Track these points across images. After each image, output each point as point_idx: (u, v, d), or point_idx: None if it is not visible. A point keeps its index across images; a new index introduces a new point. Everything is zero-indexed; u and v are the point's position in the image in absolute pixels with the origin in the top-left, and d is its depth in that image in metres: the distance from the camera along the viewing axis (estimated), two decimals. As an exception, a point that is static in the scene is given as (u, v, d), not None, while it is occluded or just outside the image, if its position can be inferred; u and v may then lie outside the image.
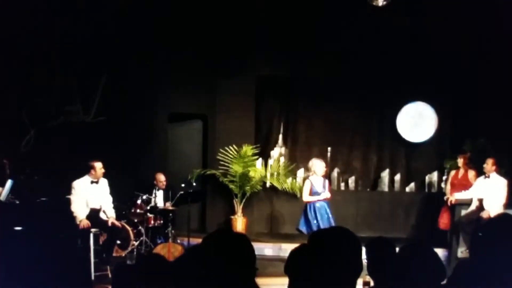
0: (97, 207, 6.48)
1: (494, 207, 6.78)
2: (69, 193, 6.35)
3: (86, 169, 6.46)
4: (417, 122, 9.31)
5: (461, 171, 7.69)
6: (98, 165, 6.44)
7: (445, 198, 7.52)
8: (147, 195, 7.44)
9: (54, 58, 7.61)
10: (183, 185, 7.49)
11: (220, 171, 8.71)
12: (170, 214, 7.32)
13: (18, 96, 7.56)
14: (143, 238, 7.16)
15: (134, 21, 7.90)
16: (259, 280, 1.89)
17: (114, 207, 6.66)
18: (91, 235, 6.21)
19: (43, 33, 7.24)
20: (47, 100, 7.81)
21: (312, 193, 6.85)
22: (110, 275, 6.02)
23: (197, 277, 1.76)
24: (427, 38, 8.34)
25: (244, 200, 8.68)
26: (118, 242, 6.95)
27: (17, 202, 6.39)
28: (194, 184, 7.92)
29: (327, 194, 6.84)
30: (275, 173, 8.94)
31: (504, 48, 7.62)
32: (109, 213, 6.52)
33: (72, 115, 7.96)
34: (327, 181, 7.07)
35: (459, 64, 8.47)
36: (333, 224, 6.58)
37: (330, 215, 6.76)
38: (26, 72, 7.38)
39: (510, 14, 6.92)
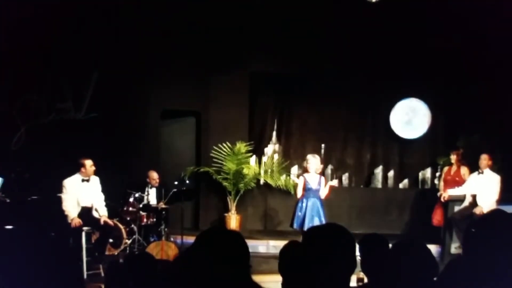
0: (89, 205, 6.41)
1: (487, 203, 6.80)
2: (61, 191, 6.29)
3: (76, 167, 6.36)
4: (410, 118, 9.33)
5: (454, 168, 7.71)
6: (88, 163, 6.34)
7: (438, 194, 7.53)
8: (139, 193, 7.39)
9: (45, 55, 7.53)
10: (176, 182, 7.45)
11: (214, 168, 8.68)
12: (163, 212, 7.28)
13: (9, 93, 7.48)
14: (136, 236, 7.12)
15: (126, 17, 7.84)
16: (253, 278, 1.87)
17: (107, 205, 6.60)
18: (83, 234, 6.15)
19: (34, 30, 7.16)
20: (38, 97, 7.74)
21: (306, 189, 6.80)
22: (102, 274, 5.98)
23: (191, 276, 1.73)
24: (421, 35, 8.34)
25: (238, 198, 8.66)
26: (111, 240, 6.91)
27: (8, 200, 6.34)
28: (187, 181, 7.88)
29: (324, 192, 6.78)
30: (269, 170, 8.92)
31: (498, 43, 7.63)
32: (101, 211, 6.45)
33: (63, 112, 7.91)
34: (323, 178, 6.94)
35: (452, 60, 8.48)
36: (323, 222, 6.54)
37: (322, 214, 6.69)
38: (17, 69, 7.31)
39: (506, 11, 6.92)
